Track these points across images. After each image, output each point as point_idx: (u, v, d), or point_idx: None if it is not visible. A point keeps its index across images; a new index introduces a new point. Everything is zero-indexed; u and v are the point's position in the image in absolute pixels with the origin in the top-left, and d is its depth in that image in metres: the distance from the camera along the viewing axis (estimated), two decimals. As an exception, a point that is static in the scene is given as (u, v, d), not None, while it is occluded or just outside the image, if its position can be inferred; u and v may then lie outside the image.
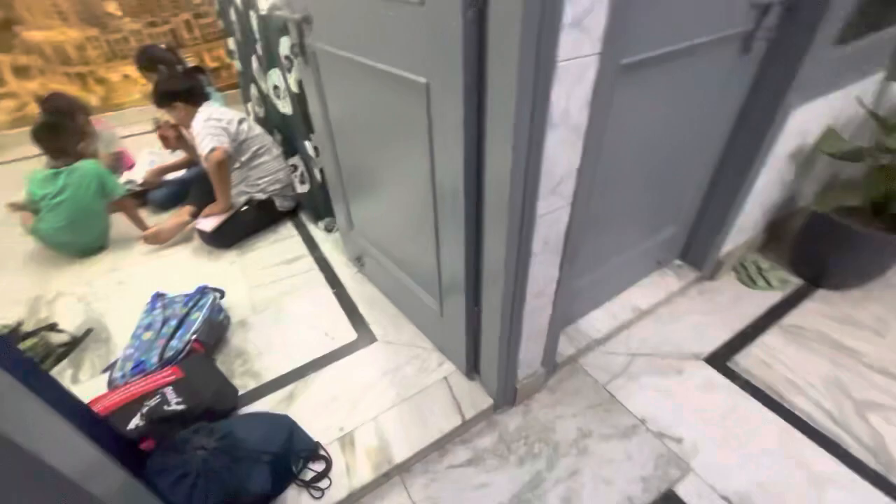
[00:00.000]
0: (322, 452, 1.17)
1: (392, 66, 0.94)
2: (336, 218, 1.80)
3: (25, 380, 0.71)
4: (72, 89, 3.11)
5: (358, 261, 1.79)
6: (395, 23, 0.86)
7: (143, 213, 2.23)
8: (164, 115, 2.04)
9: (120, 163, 2.46)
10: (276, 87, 1.98)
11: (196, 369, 1.29)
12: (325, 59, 1.23)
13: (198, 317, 1.48)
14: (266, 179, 2.04)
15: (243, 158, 1.97)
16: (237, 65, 3.14)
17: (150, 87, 2.04)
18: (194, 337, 1.42)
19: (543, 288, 1.05)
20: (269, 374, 1.42)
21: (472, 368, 1.34)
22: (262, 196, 2.05)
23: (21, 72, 2.96)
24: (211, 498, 0.95)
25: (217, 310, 1.56)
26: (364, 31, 0.99)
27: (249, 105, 2.92)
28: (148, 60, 2.30)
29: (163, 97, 1.90)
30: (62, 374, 1.46)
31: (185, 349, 1.38)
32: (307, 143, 1.84)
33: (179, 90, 1.90)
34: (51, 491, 0.60)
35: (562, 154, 0.81)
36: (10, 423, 0.55)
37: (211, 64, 3.51)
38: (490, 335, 1.14)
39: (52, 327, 1.56)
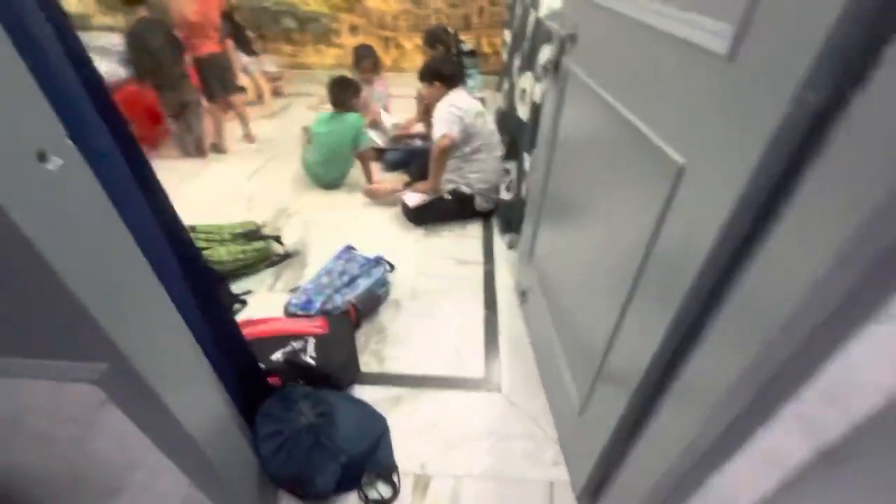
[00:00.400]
0: (395, 479, 1.12)
1: (644, 125, 0.70)
2: (522, 240, 1.66)
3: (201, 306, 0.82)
4: (377, 46, 3.77)
5: (522, 295, 1.63)
6: (672, 75, 0.62)
7: (376, 168, 2.56)
8: (424, 89, 2.21)
9: (376, 121, 2.86)
10: (523, 91, 1.91)
11: (338, 332, 1.39)
12: (574, 85, 1.05)
13: (364, 283, 1.59)
14: (477, 176, 2.04)
15: (465, 150, 2.00)
16: (504, 56, 3.24)
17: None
18: (353, 300, 1.53)
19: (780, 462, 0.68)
20: (392, 366, 1.43)
21: (591, 494, 1.05)
22: (467, 190, 2.07)
23: (353, 29, 3.73)
24: (286, 469, 1.00)
25: (381, 283, 1.65)
26: (627, 72, 0.77)
27: (499, 95, 2.99)
28: (432, 38, 2.54)
29: (426, 73, 2.06)
30: (264, 280, 1.80)
31: (341, 307, 1.51)
32: (526, 155, 1.73)
33: (442, 72, 2.02)
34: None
35: None
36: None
37: (486, 49, 3.73)
38: (645, 472, 0.81)
39: (277, 239, 1.93)
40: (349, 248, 1.78)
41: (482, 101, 3.55)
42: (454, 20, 3.62)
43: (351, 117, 2.21)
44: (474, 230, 2.11)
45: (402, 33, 3.71)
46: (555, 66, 1.14)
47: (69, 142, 0.51)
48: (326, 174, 2.37)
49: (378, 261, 1.69)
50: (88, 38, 3.25)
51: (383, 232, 2.09)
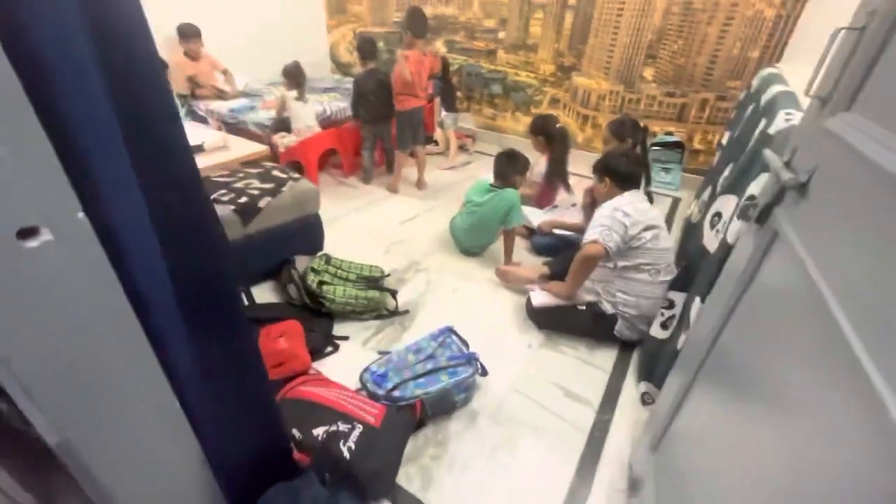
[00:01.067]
0: None
1: (873, 365, 0.34)
2: (659, 403, 1.22)
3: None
4: (572, 123, 3.66)
5: (633, 484, 1.18)
6: None
7: (521, 246, 2.38)
8: (594, 182, 1.95)
9: (540, 196, 2.67)
10: (717, 216, 1.47)
11: (390, 431, 1.22)
12: (782, 251, 0.68)
13: (444, 381, 1.40)
14: (626, 298, 1.65)
15: (621, 264, 1.64)
16: (715, 159, 2.71)
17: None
18: (423, 397, 1.35)
19: None
20: (435, 498, 1.18)
21: None
22: (608, 309, 1.69)
23: (554, 102, 3.72)
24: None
25: (463, 388, 1.43)
26: (874, 277, 0.40)
27: (695, 204, 2.48)
28: (620, 129, 2.27)
29: (600, 167, 1.81)
30: (365, 331, 1.77)
31: (408, 401, 1.34)
32: (698, 300, 1.29)
33: (618, 169, 1.74)
34: None
35: None
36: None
37: (696, 145, 3.22)
38: None
39: (394, 294, 1.90)
40: (450, 331, 1.62)
41: (675, 201, 3.07)
42: (666, 109, 3.24)
43: (509, 193, 2.09)
44: (604, 359, 1.70)
45: (604, 114, 3.51)
46: (761, 216, 0.77)
47: (81, 215, 0.48)
48: (467, 241, 2.30)
49: (470, 359, 1.48)
50: (338, 81, 4.05)
51: (498, 321, 1.87)
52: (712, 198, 1.88)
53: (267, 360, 1.39)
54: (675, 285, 1.64)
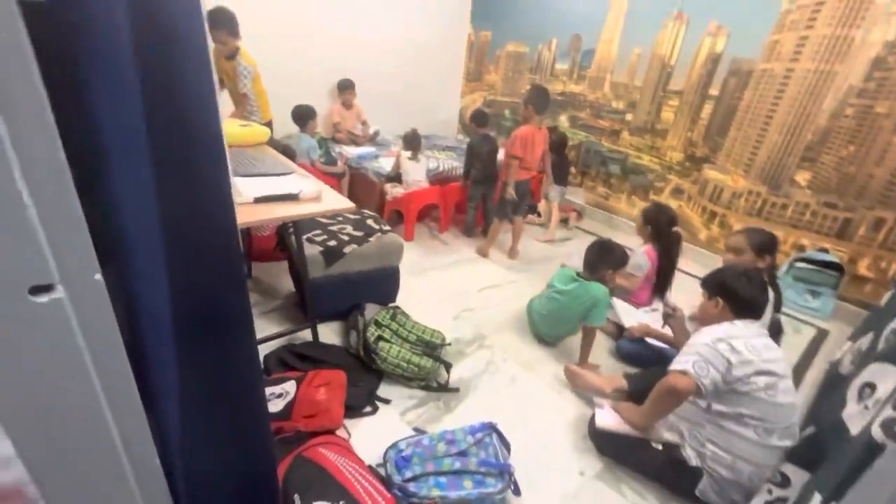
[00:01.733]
0: None
1: None
2: None
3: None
4: (696, 218, 3.27)
5: None
6: None
7: (602, 346, 2.11)
8: (702, 297, 1.64)
9: (637, 292, 2.37)
10: (868, 385, 1.11)
11: (389, 532, 1.10)
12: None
13: (467, 489, 1.23)
14: (719, 453, 1.30)
15: (717, 408, 1.31)
16: (884, 298, 2.14)
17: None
18: (438, 501, 1.20)
19: None
20: None
21: None
22: (691, 459, 1.35)
23: (677, 192, 3.39)
24: None
25: (488, 503, 1.24)
26: None
27: (847, 347, 1.95)
28: (760, 245, 1.89)
29: (715, 283, 1.51)
30: (408, 400, 1.69)
31: (420, 500, 1.20)
32: (818, 497, 0.95)
33: (737, 293, 1.42)
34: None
35: None
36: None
37: (863, 270, 2.59)
38: None
39: (448, 367, 1.80)
40: (492, 428, 1.45)
41: (820, 334, 2.46)
42: (822, 221, 2.70)
43: (596, 289, 1.87)
44: (675, 519, 1.35)
45: (737, 214, 3.07)
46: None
47: (98, 277, 0.52)
48: (542, 328, 2.11)
49: (503, 472, 1.29)
50: (460, 141, 4.28)
51: (554, 430, 1.63)
52: (870, 353, 1.45)
53: (301, 408, 1.39)
54: (795, 457, 1.25)
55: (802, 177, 2.75)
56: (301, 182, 1.45)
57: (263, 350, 1.77)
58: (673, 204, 3.36)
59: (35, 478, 0.54)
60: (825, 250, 2.68)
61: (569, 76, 3.98)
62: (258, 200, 1.30)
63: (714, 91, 3.06)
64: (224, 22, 2.48)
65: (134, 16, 0.50)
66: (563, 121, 4.09)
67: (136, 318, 0.61)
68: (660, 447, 1.43)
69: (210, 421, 0.75)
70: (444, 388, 1.76)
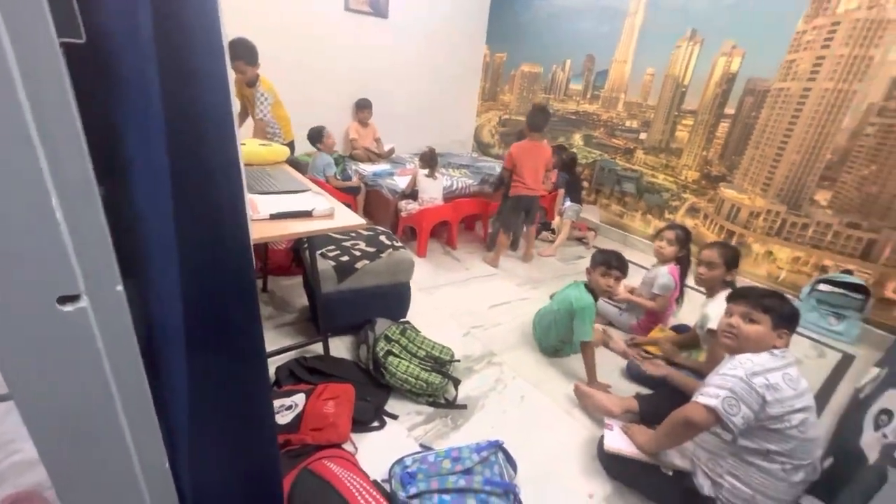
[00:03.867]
0: None
1: None
2: None
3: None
4: (712, 238, 3.21)
5: None
6: None
7: (616, 364, 2.08)
8: (749, 316, 1.33)
9: (661, 316, 2.34)
10: (885, 412, 1.07)
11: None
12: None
13: (471, 507, 1.22)
14: (739, 487, 1.24)
15: (744, 443, 1.22)
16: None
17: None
18: (442, 519, 1.19)
19: None
20: None
21: None
22: (705, 489, 1.31)
23: (692, 211, 3.35)
24: None
25: (491, 524, 1.22)
26: None
27: (875, 374, 1.87)
28: (731, 258, 1.86)
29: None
30: (416, 416, 1.70)
31: (423, 517, 1.20)
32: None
33: (783, 310, 1.30)
34: None
35: None
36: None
37: (890, 294, 2.49)
38: None
39: (456, 383, 1.81)
40: (498, 447, 1.44)
41: (845, 359, 2.37)
42: (846, 242, 2.63)
43: (574, 295, 1.92)
44: (687, 551, 1.30)
45: (755, 234, 3.01)
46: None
47: (120, 288, 0.56)
48: (539, 334, 2.18)
49: (508, 492, 1.28)
50: (474, 159, 4.34)
51: (562, 451, 1.60)
52: (889, 378, 1.40)
53: (309, 420, 1.42)
54: (814, 490, 1.21)
55: (823, 196, 2.70)
56: (315, 200, 1.51)
57: (276, 362, 1.81)
58: (689, 223, 3.32)
59: (55, 481, 0.57)
60: (849, 272, 2.60)
61: (582, 96, 4.02)
62: (273, 217, 1.36)
63: (730, 110, 3.05)
64: (242, 53, 2.63)
65: (159, 50, 0.55)
66: (578, 139, 4.12)
67: (151, 330, 0.65)
68: (670, 474, 1.39)
69: (217, 431, 0.78)
70: (451, 404, 1.76)
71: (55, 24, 0.44)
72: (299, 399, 1.52)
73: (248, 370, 0.80)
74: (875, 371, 1.91)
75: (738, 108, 3.01)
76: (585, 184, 3.97)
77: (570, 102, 4.13)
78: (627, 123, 3.70)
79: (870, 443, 1.06)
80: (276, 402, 1.49)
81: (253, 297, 0.77)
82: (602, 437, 1.55)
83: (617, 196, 3.87)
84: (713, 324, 1.72)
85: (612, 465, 1.50)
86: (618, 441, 1.49)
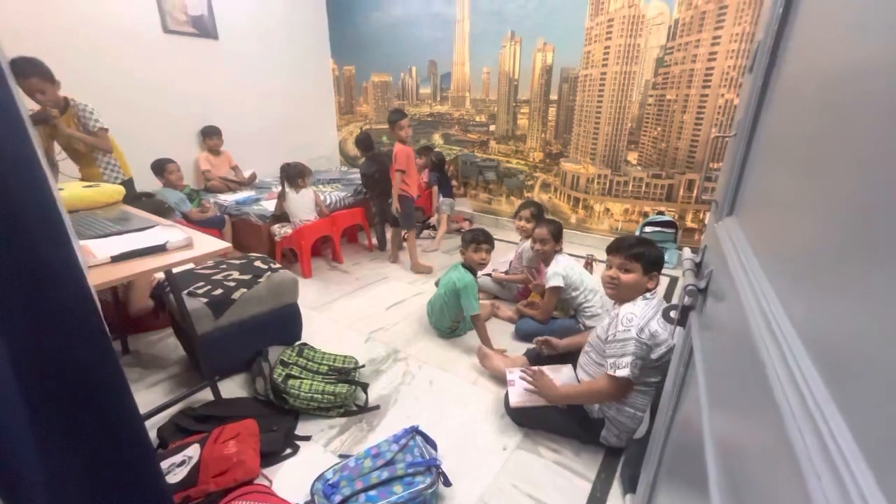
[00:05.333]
0: None
1: None
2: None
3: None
4: (564, 206, 3.72)
5: None
6: None
7: (507, 332, 2.30)
8: (620, 269, 1.50)
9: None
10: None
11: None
12: (695, 362, 0.61)
13: (398, 493, 1.26)
14: (624, 408, 1.47)
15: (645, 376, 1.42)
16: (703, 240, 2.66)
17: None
18: (372, 513, 1.21)
19: None
20: None
21: None
22: (592, 411, 1.54)
23: (545, 186, 3.84)
24: None
25: (420, 501, 1.28)
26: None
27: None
28: (557, 232, 2.26)
29: (648, 258, 1.47)
30: (329, 430, 1.67)
31: (353, 518, 1.20)
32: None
33: (649, 259, 1.48)
34: None
35: None
36: None
37: (690, 223, 3.20)
38: None
39: (364, 388, 1.82)
40: (415, 431, 1.50)
41: (673, 281, 2.97)
42: (654, 190, 3.29)
43: (455, 276, 2.13)
44: (588, 464, 1.52)
45: (594, 197, 3.58)
46: (681, 317, 0.72)
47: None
48: (433, 317, 2.32)
49: (430, 466, 1.35)
50: (344, 172, 4.32)
51: (474, 418, 1.73)
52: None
53: (209, 468, 1.30)
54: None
55: (632, 157, 3.33)
56: (167, 232, 1.38)
57: (158, 422, 1.60)
58: (544, 198, 3.79)
59: None
60: (661, 213, 3.26)
61: (433, 98, 4.30)
62: (116, 259, 1.21)
63: (554, 96, 3.57)
64: (32, 70, 2.12)
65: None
66: (438, 139, 4.38)
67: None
68: (565, 407, 1.60)
69: None
70: (364, 409, 1.76)
71: None
72: (192, 451, 1.38)
73: (118, 431, 0.73)
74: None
75: (559, 94, 3.54)
76: (454, 181, 4.25)
77: (424, 106, 4.38)
78: (477, 118, 4.07)
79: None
80: (165, 463, 1.33)
81: (105, 344, 0.70)
82: (506, 393, 1.71)
83: (482, 185, 4.22)
84: (553, 282, 2.15)
85: (518, 416, 1.67)
86: (517, 395, 1.66)
